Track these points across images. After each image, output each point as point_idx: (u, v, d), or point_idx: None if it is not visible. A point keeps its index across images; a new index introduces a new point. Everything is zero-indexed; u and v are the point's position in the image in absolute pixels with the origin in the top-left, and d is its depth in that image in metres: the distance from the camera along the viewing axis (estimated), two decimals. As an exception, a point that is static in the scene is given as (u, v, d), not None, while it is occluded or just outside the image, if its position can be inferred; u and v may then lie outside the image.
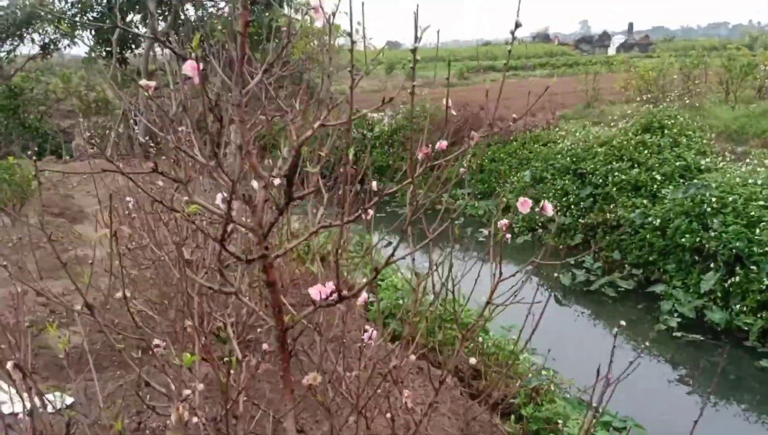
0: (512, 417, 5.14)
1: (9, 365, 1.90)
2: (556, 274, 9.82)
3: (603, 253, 10.56)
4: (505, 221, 2.30)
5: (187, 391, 2.13)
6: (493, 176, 15.01)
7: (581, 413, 5.17)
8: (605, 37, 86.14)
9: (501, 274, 2.62)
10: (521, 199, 1.89)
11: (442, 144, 2.22)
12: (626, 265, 10.03)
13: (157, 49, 17.56)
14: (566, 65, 57.46)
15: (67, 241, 8.99)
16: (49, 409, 4.23)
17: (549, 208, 1.86)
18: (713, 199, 8.82)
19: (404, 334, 3.33)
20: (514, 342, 6.19)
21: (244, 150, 1.71)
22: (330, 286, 1.78)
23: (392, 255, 1.84)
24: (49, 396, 4.43)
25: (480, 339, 6.18)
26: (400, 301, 6.77)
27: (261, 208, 1.77)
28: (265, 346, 2.48)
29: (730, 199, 8.77)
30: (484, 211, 13.86)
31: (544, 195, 12.51)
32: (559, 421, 4.98)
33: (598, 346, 7.83)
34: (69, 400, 4.33)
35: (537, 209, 1.87)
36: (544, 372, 5.92)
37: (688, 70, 19.62)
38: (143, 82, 1.87)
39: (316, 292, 1.77)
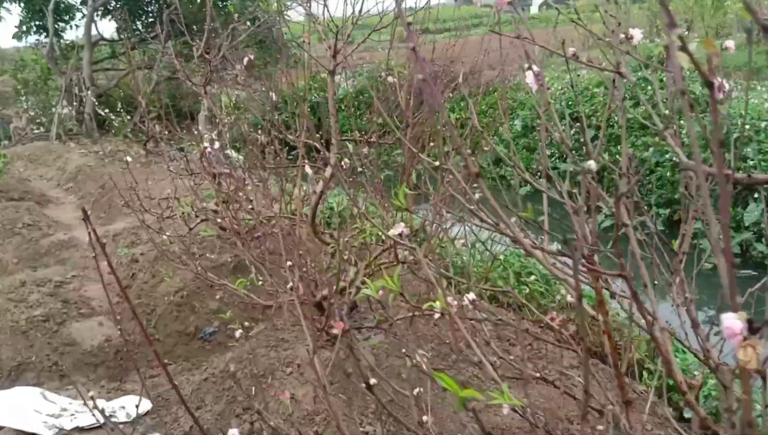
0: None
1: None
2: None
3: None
4: None
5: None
6: (477, 130, 14.36)
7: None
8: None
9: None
10: None
11: None
12: (649, 206, 9.57)
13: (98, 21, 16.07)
14: (496, 24, 57.93)
15: (44, 225, 7.85)
16: (123, 417, 3.33)
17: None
18: (746, 127, 8.38)
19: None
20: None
21: None
22: None
23: None
24: (119, 402, 3.51)
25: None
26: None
27: None
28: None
29: (763, 125, 8.36)
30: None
31: (539, 143, 11.98)
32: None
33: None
34: (147, 405, 3.40)
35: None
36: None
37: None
38: None
39: None
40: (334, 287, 3.29)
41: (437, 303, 1.54)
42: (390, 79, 3.64)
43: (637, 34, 1.52)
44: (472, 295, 1.65)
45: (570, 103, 11.86)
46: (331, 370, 3.26)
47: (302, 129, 3.31)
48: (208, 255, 5.23)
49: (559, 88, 12.53)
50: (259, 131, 4.17)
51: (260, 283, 3.59)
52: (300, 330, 3.66)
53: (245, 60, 3.53)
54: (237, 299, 4.17)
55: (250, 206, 3.89)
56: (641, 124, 10.51)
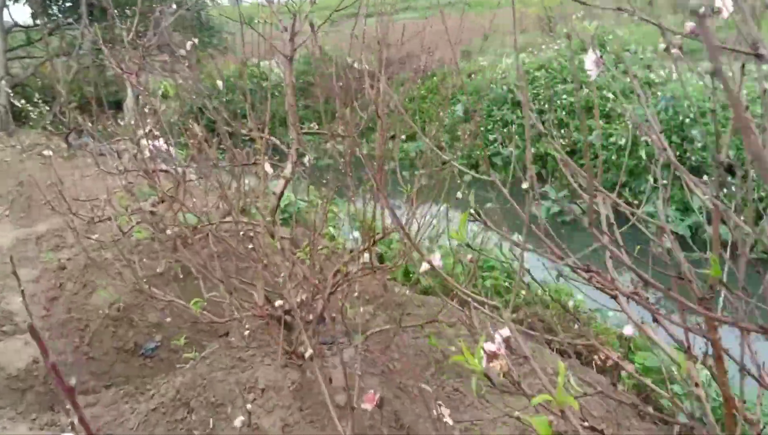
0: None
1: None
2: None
3: (565, 181, 9.99)
4: None
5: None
6: (417, 115, 14.06)
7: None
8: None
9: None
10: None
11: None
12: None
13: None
14: (427, 8, 57.74)
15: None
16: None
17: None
18: (692, 109, 8.36)
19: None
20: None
21: None
22: None
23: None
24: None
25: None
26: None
27: None
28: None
29: (707, 106, 8.35)
30: (415, 152, 12.89)
31: (482, 128, 11.79)
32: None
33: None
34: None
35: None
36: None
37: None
38: None
39: None
40: (301, 299, 2.92)
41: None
42: (356, 65, 3.27)
43: (727, 5, 1.20)
44: (506, 332, 1.32)
45: (511, 87, 11.71)
46: (300, 394, 2.89)
47: (265, 119, 2.91)
48: (145, 261, 4.75)
49: (501, 72, 12.36)
50: (191, 122, 3.73)
51: (209, 295, 3.18)
52: (257, 348, 3.28)
53: (188, 44, 3.10)
54: (184, 314, 3.73)
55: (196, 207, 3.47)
56: (586, 107, 10.44)
